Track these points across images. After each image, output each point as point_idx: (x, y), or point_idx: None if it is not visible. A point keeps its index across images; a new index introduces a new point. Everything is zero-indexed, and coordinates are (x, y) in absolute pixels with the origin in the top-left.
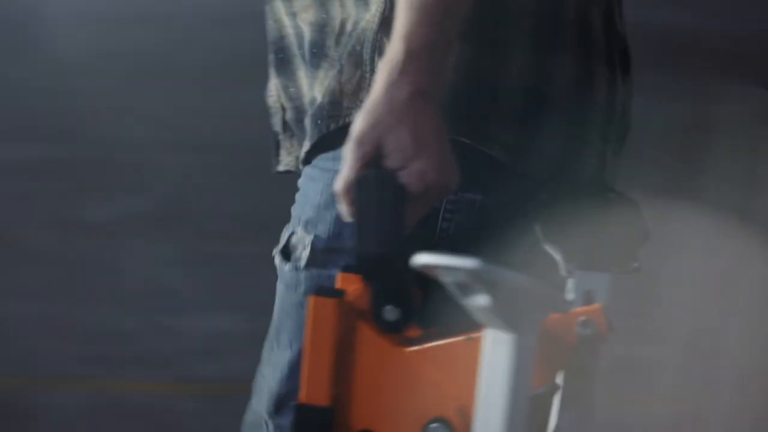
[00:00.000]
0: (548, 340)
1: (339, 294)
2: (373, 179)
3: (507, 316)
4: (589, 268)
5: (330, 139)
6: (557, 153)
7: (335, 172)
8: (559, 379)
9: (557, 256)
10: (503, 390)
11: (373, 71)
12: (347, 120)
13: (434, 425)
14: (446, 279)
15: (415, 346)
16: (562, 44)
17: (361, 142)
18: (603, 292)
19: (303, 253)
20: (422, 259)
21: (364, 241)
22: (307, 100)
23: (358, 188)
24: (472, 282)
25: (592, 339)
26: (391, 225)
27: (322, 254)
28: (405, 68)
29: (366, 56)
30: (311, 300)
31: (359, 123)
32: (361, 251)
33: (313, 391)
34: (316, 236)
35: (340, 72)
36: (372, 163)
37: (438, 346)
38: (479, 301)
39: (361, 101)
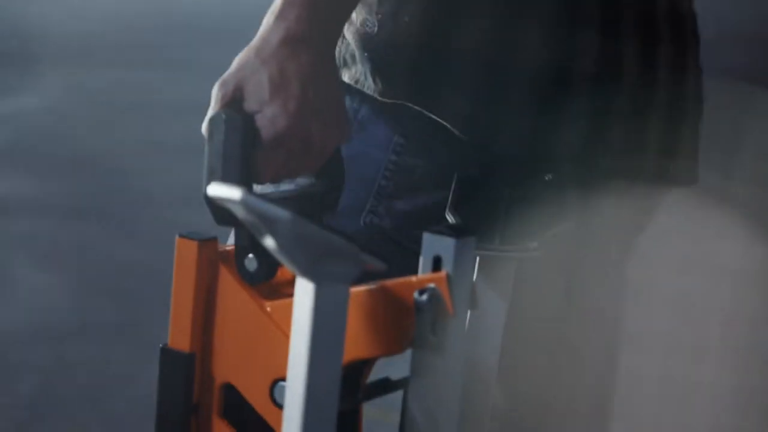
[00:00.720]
0: (382, 305)
1: (208, 238)
2: (224, 120)
3: (297, 262)
4: (481, 241)
5: None
6: (520, 128)
7: None
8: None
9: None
10: (306, 348)
11: None
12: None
13: (281, 384)
14: (239, 216)
15: (271, 300)
16: (534, 12)
17: (224, 83)
18: (450, 259)
19: None
20: (208, 190)
21: (208, 183)
22: None
23: (210, 128)
24: (253, 219)
25: (433, 308)
26: (235, 168)
27: None
28: (281, 14)
29: None
30: (177, 241)
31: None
32: (205, 193)
33: (177, 336)
34: None
35: None
36: (233, 105)
37: (285, 302)
38: (267, 242)
39: (344, 60)
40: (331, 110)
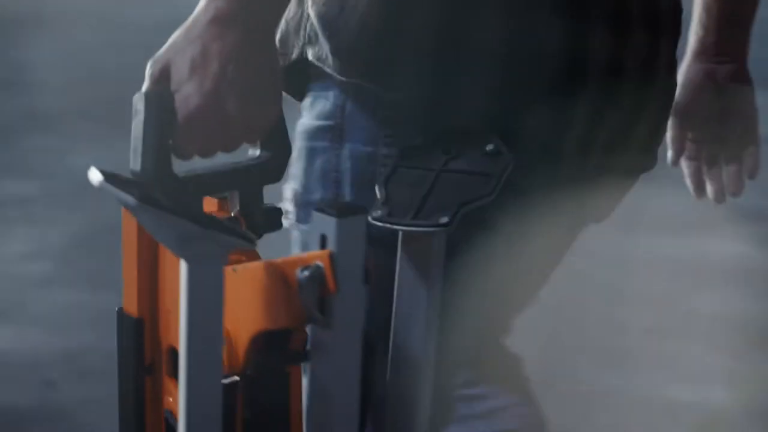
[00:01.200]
0: (275, 280)
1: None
2: (144, 99)
3: (164, 241)
4: (395, 215)
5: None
6: (474, 108)
7: (306, 139)
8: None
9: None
10: (184, 321)
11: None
12: (292, 57)
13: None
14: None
15: None
16: None
17: (154, 62)
18: (333, 237)
19: (290, 208)
20: (89, 174)
21: (131, 159)
22: None
23: (135, 106)
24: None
25: (315, 285)
26: (151, 146)
27: (300, 208)
28: None
29: None
30: (123, 210)
31: None
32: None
33: (127, 301)
34: (294, 190)
35: (288, 10)
36: (160, 83)
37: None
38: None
39: (301, 39)
40: (255, 90)
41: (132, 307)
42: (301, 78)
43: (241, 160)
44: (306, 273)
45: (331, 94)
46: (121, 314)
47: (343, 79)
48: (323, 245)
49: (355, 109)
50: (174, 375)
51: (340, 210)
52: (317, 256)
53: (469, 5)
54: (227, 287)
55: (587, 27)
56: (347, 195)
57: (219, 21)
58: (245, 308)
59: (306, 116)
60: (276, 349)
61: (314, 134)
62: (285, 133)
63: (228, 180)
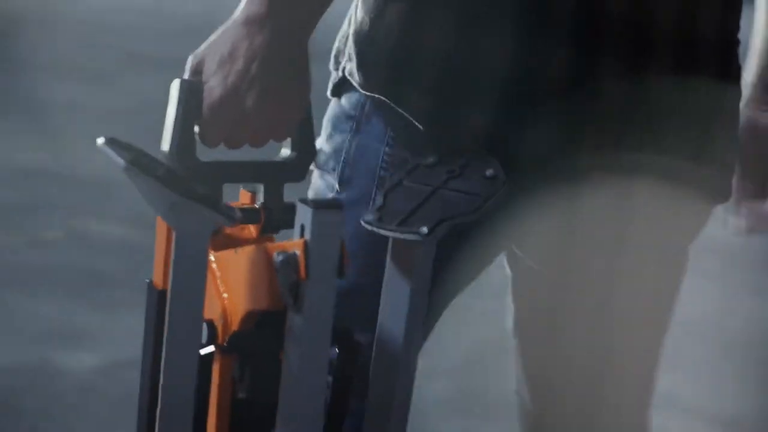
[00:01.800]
0: (262, 263)
1: None
2: (177, 87)
3: (154, 206)
4: (383, 220)
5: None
6: (477, 128)
7: (334, 117)
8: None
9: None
10: (169, 287)
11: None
12: (342, 73)
13: (204, 326)
14: None
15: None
16: (501, 16)
17: (194, 55)
18: (309, 228)
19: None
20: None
21: (163, 142)
22: None
23: (170, 93)
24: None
25: (289, 270)
26: (177, 130)
27: (321, 169)
28: None
29: (351, 13)
30: None
31: None
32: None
33: (156, 274)
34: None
35: (342, 29)
36: (196, 75)
37: (225, 252)
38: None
39: (348, 55)
40: (277, 89)
41: (157, 280)
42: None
43: (271, 158)
44: (280, 257)
45: (357, 93)
46: (149, 286)
47: (365, 93)
48: (302, 234)
49: (372, 110)
50: None
51: (318, 203)
52: (295, 244)
53: (472, 33)
54: (230, 267)
55: (592, 57)
56: (347, 176)
57: (249, 22)
58: (240, 288)
59: (341, 101)
60: (267, 332)
61: (339, 117)
62: (311, 135)
63: (249, 172)
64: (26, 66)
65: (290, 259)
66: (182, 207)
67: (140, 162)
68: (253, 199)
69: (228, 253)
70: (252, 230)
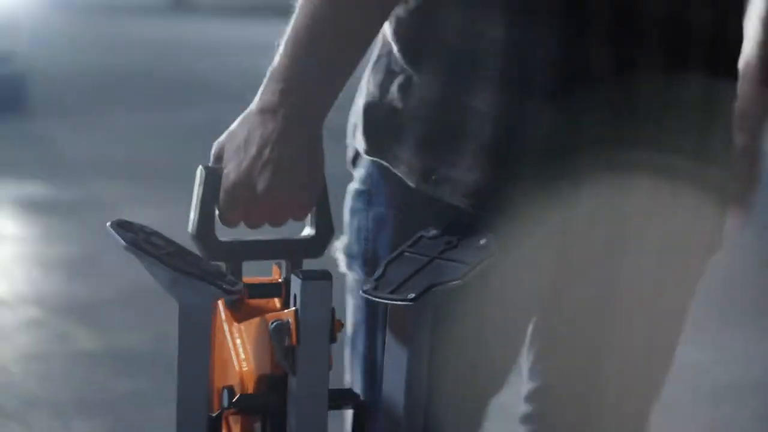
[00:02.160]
0: (260, 331)
1: None
2: (198, 173)
3: (159, 281)
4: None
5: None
6: (471, 181)
7: (350, 204)
8: None
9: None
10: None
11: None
12: (355, 146)
13: (224, 391)
14: None
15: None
16: (484, 73)
17: (216, 143)
18: (299, 298)
19: (340, 257)
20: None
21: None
22: None
23: (196, 179)
24: None
25: (282, 336)
26: (197, 212)
27: (346, 258)
28: (265, 87)
29: (361, 87)
30: None
31: None
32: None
33: None
34: (343, 243)
35: (354, 106)
36: (217, 161)
37: (249, 322)
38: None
39: (355, 125)
40: (288, 173)
41: None
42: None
43: (294, 235)
44: (273, 325)
45: (366, 164)
46: None
47: (369, 157)
48: (294, 303)
49: (380, 178)
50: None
51: (307, 274)
52: (288, 313)
53: (462, 100)
54: (248, 336)
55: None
56: (371, 254)
57: (263, 111)
58: (253, 354)
59: (353, 181)
60: (273, 394)
61: (354, 197)
62: (328, 213)
63: (269, 250)
64: None
65: (282, 327)
66: (181, 282)
67: (139, 243)
68: (279, 272)
69: (247, 323)
70: (277, 302)
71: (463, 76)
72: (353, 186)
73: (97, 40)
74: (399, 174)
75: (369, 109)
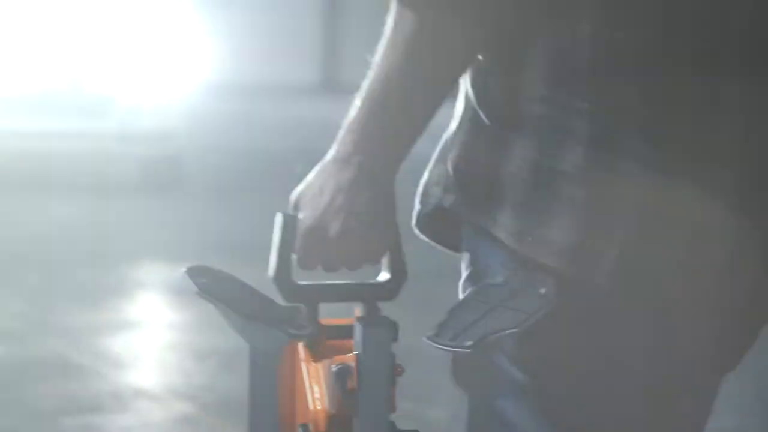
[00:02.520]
0: (327, 371)
1: None
2: (278, 220)
3: (231, 324)
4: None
5: None
6: (565, 241)
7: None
8: None
9: None
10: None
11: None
12: (431, 205)
13: (299, 429)
14: None
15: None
16: (572, 134)
17: (294, 192)
18: (360, 343)
19: None
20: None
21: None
22: None
23: (276, 224)
24: None
25: (343, 379)
26: (276, 258)
27: None
28: (340, 138)
29: (442, 149)
30: None
31: None
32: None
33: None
34: None
35: (430, 164)
36: (296, 209)
37: (317, 365)
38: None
39: (441, 189)
40: (360, 219)
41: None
42: (439, 223)
43: (371, 279)
44: (335, 369)
45: (468, 243)
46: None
47: (470, 221)
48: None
49: (484, 248)
50: None
51: (368, 321)
52: (350, 357)
53: (564, 148)
54: (318, 377)
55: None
56: None
57: (338, 160)
58: (323, 395)
59: (461, 265)
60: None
61: (465, 282)
62: (400, 258)
63: (344, 292)
64: None
65: (343, 370)
66: (250, 327)
67: (211, 288)
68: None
69: (322, 364)
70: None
71: (551, 139)
72: (464, 272)
73: (249, 119)
74: (496, 235)
75: (459, 171)
